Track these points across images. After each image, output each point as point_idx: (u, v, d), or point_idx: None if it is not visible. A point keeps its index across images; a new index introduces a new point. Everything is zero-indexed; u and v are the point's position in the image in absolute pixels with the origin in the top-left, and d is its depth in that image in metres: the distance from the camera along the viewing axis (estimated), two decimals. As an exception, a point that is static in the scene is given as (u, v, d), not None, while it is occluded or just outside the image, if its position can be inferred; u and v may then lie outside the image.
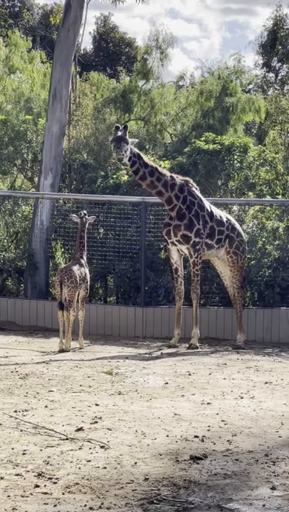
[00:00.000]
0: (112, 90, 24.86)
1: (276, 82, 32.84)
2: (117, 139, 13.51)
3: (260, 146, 21.27)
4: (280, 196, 19.05)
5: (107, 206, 17.12)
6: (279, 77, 32.77)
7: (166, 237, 14.03)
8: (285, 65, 29.92)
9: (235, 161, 19.10)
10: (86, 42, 53.46)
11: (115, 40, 43.62)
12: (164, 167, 19.33)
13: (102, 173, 19.54)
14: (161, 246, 17.09)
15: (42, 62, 30.02)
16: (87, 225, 13.80)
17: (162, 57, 24.49)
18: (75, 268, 13.19)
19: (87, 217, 13.83)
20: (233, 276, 14.48)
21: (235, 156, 19.11)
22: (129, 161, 13.59)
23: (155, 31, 24.82)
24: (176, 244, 13.95)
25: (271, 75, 33.54)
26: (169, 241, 14.02)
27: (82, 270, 13.33)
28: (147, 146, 22.54)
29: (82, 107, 23.53)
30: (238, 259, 14.44)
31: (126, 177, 18.76)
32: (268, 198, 18.60)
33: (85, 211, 14.17)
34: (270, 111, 22.83)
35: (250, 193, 18.76)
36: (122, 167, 19.35)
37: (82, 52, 38.42)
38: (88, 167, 20.33)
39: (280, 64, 31.08)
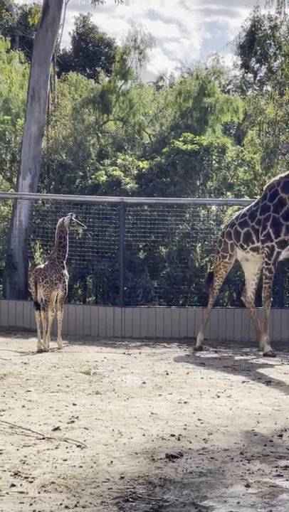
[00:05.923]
0: (91, 91, 24.86)
1: (255, 83, 32.94)
2: None
3: (238, 146, 21.35)
4: (258, 196, 19.09)
5: (85, 206, 17.15)
6: (258, 78, 32.84)
7: (287, 239, 13.10)
8: (263, 66, 29.99)
9: (214, 162, 19.18)
10: (65, 42, 53.42)
11: (94, 41, 43.53)
12: (143, 167, 19.43)
13: (81, 174, 19.54)
14: (140, 246, 17.14)
15: (21, 62, 29.96)
16: (69, 228, 13.66)
17: (141, 57, 24.54)
18: (51, 268, 13.17)
19: (73, 218, 13.71)
20: None
21: (214, 157, 19.19)
22: None
23: (134, 32, 24.89)
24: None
25: (250, 75, 33.60)
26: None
27: (58, 270, 13.29)
28: (126, 147, 22.58)
29: (60, 108, 23.54)
30: None
31: (104, 177, 18.77)
32: (246, 198, 18.69)
33: (73, 214, 13.99)
34: (248, 111, 22.88)
35: (229, 193, 18.83)
36: (101, 167, 19.38)
37: (61, 52, 38.38)
38: (67, 167, 20.34)
39: (258, 65, 31.13)
